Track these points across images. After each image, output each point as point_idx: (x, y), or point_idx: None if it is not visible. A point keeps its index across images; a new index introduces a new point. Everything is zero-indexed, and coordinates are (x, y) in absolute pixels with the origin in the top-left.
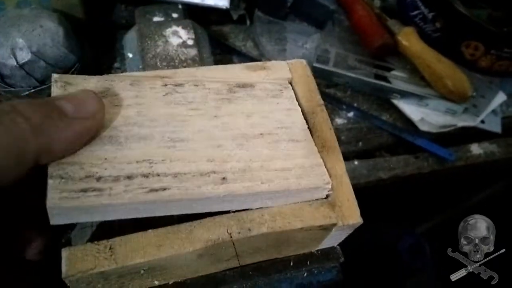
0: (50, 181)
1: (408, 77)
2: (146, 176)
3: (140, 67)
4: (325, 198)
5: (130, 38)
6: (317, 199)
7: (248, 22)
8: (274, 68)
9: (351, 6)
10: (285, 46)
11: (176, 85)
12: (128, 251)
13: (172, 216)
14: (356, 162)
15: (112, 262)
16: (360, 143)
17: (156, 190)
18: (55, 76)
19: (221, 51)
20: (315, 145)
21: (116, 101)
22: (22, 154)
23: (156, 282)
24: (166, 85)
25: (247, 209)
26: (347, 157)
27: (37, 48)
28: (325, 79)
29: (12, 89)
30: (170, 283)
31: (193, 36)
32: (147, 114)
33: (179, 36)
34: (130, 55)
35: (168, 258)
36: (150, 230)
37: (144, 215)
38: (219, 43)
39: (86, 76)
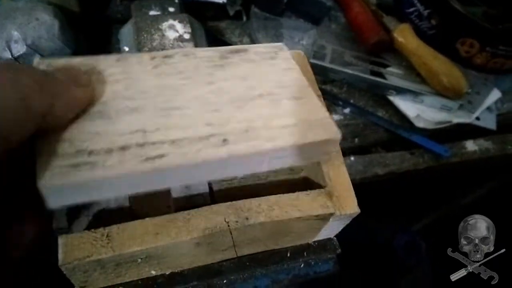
0: (39, 159)
1: (404, 73)
2: (141, 145)
3: None
4: (323, 188)
5: (126, 31)
6: (314, 190)
7: (244, 18)
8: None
9: (347, 3)
10: (281, 42)
11: (164, 57)
12: (125, 239)
13: (169, 206)
14: (352, 158)
15: (109, 250)
16: (356, 139)
17: (153, 158)
18: (37, 59)
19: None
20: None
21: (102, 78)
22: (30, 109)
23: (153, 272)
24: (154, 58)
25: (246, 199)
26: (343, 153)
27: (32, 40)
28: (321, 75)
29: None
30: (167, 273)
31: (190, 30)
32: (137, 87)
33: (175, 30)
34: (127, 49)
35: (165, 246)
36: (147, 218)
37: (144, 189)
38: (216, 38)
39: (69, 57)
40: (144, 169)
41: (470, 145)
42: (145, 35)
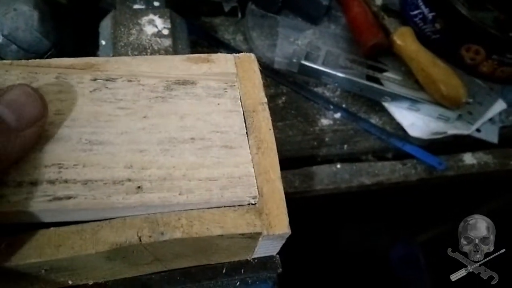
0: None
1: (401, 79)
2: (52, 182)
3: (111, 55)
4: (253, 204)
5: (105, 25)
6: (244, 205)
7: (239, 15)
8: (219, 61)
9: (347, 3)
10: (276, 41)
11: (107, 80)
12: (25, 249)
13: None
14: (338, 166)
15: (7, 260)
16: (345, 146)
17: (60, 199)
18: None
19: (209, 44)
20: (250, 150)
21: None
22: None
23: (70, 282)
24: (95, 79)
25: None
26: (330, 160)
27: (9, 31)
28: (313, 78)
29: None
30: (90, 283)
31: (169, 26)
32: (68, 112)
33: (154, 25)
34: (103, 42)
35: (68, 259)
36: (52, 228)
37: (49, 221)
38: (208, 35)
39: (8, 64)
40: (48, 208)
41: (468, 158)
42: (122, 29)
